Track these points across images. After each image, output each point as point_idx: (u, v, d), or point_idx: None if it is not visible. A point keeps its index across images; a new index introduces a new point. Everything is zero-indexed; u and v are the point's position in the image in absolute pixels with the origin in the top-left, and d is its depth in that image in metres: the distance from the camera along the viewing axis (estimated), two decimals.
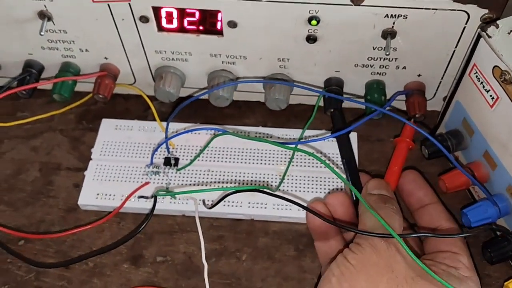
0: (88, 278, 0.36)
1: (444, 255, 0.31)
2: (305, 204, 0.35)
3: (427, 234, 0.32)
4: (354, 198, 0.34)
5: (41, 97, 0.44)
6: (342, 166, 0.37)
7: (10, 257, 0.37)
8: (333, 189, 0.38)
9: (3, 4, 0.36)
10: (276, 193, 0.36)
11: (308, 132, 0.41)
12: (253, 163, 0.40)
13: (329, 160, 0.39)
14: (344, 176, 0.36)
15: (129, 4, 0.35)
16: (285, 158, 0.40)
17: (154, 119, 0.42)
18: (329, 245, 0.33)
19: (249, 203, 0.38)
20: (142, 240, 0.37)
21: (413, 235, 0.33)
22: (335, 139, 0.38)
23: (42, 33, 0.36)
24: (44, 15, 0.36)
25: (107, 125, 0.42)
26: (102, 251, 0.37)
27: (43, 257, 0.37)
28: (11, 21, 0.37)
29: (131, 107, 0.44)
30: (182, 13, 0.36)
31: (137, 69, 0.41)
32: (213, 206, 0.36)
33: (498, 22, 0.32)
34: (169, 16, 0.36)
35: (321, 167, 0.39)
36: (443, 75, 0.38)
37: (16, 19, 0.37)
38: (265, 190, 0.34)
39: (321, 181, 0.39)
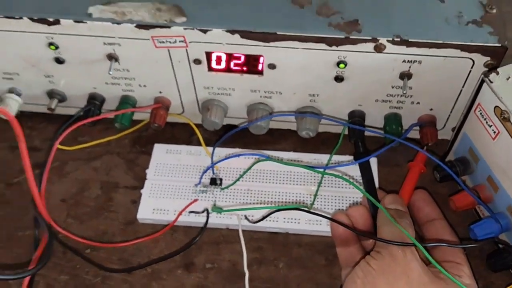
0: (148, 282, 0.42)
1: (449, 265, 0.36)
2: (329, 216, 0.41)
3: (442, 244, 0.38)
4: (372, 211, 0.40)
5: (99, 124, 0.51)
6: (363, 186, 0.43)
7: (79, 263, 0.43)
8: (353, 203, 0.44)
9: (77, 47, 0.42)
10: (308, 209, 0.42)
11: (335, 157, 0.47)
12: (287, 184, 0.46)
13: (352, 179, 0.45)
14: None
15: (186, 49, 0.41)
16: (314, 179, 0.46)
17: (198, 144, 0.48)
18: (350, 251, 0.39)
19: (285, 218, 0.44)
20: (193, 249, 0.44)
21: (432, 245, 0.38)
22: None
23: (110, 72, 0.43)
24: (112, 57, 0.43)
25: (159, 149, 0.48)
26: (159, 259, 0.43)
27: (108, 263, 0.43)
28: (83, 61, 0.44)
29: (177, 134, 0.51)
30: (230, 57, 0.42)
31: (186, 101, 0.47)
32: (257, 221, 0.42)
33: (498, 69, 0.38)
34: (218, 59, 0.42)
35: (344, 187, 0.45)
36: (452, 110, 0.45)
37: (87, 59, 0.43)
38: (303, 208, 0.40)
39: (343, 199, 0.45)
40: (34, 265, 0.41)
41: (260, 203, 0.45)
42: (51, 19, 0.40)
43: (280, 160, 0.46)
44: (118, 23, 0.40)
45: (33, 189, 0.40)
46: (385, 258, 0.34)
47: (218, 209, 0.43)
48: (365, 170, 0.42)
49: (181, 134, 0.51)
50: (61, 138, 0.44)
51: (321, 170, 0.44)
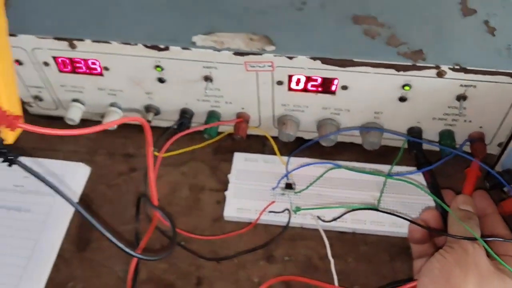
0: (235, 270, 0.49)
1: (505, 258, 0.42)
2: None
3: (500, 239, 0.44)
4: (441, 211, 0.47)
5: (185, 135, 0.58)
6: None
7: (176, 253, 0.50)
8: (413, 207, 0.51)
9: (179, 69, 0.50)
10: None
11: (395, 168, 0.53)
12: (352, 190, 0.52)
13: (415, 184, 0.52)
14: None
15: (272, 73, 0.49)
16: (377, 186, 0.52)
17: (271, 153, 0.55)
18: (423, 247, 0.46)
19: (353, 219, 0.50)
20: (272, 244, 0.50)
21: (493, 239, 0.44)
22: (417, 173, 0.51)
23: (207, 91, 0.50)
24: (208, 78, 0.50)
25: (238, 157, 0.56)
26: (244, 252, 0.50)
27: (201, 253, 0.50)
28: (181, 81, 0.51)
29: (252, 144, 0.58)
30: (308, 79, 0.49)
31: (264, 116, 0.54)
32: (331, 221, 0.49)
33: None
34: (298, 81, 0.49)
35: (404, 193, 0.51)
36: (499, 128, 0.51)
37: (186, 79, 0.51)
38: (378, 209, 0.47)
39: (404, 204, 0.51)
40: (140, 252, 0.48)
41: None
42: (162, 46, 0.48)
43: (353, 168, 0.52)
44: (218, 50, 0.47)
45: (152, 187, 0.47)
46: (457, 251, 0.41)
47: (299, 208, 0.50)
48: (430, 177, 0.49)
49: (255, 144, 0.58)
50: (167, 146, 0.51)
51: (386, 176, 0.51)
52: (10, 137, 0.31)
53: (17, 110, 0.32)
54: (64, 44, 0.48)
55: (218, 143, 0.58)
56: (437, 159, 0.52)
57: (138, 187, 0.55)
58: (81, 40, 0.48)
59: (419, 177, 0.52)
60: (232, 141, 0.58)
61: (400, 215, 0.48)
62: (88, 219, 0.37)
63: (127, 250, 0.39)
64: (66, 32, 0.48)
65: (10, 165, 0.31)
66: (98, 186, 0.55)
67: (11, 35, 0.47)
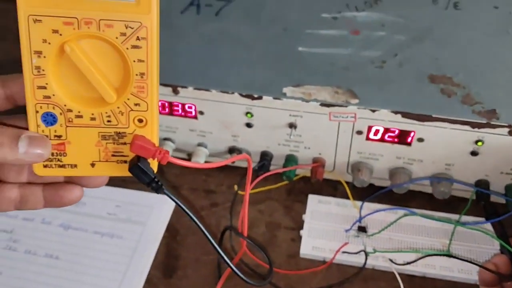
0: None
1: None
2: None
3: None
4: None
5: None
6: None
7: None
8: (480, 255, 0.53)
9: (268, 116, 0.55)
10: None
11: (463, 218, 0.56)
12: (422, 236, 0.56)
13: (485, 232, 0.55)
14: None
15: (353, 123, 0.53)
16: (445, 234, 0.55)
17: (342, 197, 0.59)
18: None
19: (422, 263, 0.53)
20: (347, 283, 0.53)
21: None
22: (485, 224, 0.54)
23: (291, 137, 0.55)
24: (292, 125, 0.55)
25: (313, 199, 0.60)
26: None
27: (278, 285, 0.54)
28: (267, 127, 0.56)
29: (324, 187, 0.62)
30: (387, 130, 0.53)
31: (339, 162, 0.59)
32: (407, 263, 0.52)
33: None
34: (377, 131, 0.54)
35: (473, 242, 0.54)
36: None
37: (271, 125, 0.56)
38: (452, 254, 0.50)
39: (472, 252, 0.54)
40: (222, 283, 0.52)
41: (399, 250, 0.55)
42: (255, 95, 0.53)
43: (424, 215, 0.56)
44: (306, 101, 0.52)
45: (245, 219, 0.52)
46: None
47: (375, 251, 0.53)
48: (499, 227, 0.52)
49: (327, 187, 0.62)
50: (252, 185, 0.55)
51: (456, 223, 0.54)
52: (155, 166, 0.36)
53: (157, 141, 0.36)
54: (169, 89, 0.54)
55: (292, 185, 0.62)
56: (503, 211, 0.55)
57: (219, 221, 0.59)
58: (185, 87, 0.54)
59: (488, 227, 0.55)
60: (304, 183, 0.62)
61: (472, 260, 0.51)
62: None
63: (231, 266, 0.43)
64: (171, 79, 0.54)
65: (157, 192, 0.36)
66: (182, 218, 0.60)
67: None
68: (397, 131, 0.53)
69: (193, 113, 0.57)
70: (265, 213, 0.60)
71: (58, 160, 0.36)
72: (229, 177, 0.63)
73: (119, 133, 0.35)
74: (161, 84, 0.54)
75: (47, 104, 0.34)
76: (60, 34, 0.32)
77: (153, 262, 0.56)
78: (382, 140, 0.54)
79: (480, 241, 0.54)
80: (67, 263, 0.55)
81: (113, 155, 0.36)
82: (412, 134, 0.53)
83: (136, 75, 0.33)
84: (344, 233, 0.56)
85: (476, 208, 0.56)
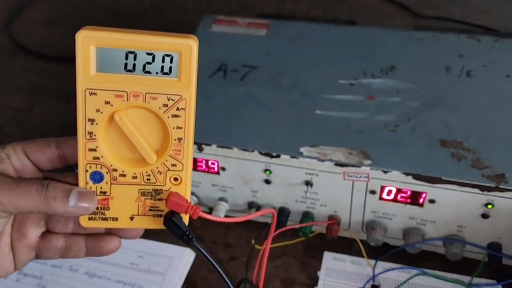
0: None
1: None
2: None
3: None
4: None
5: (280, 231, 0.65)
6: None
7: None
8: None
9: (285, 174, 0.58)
10: None
11: (475, 280, 0.57)
12: None
13: None
14: None
15: (367, 183, 0.56)
16: None
17: (357, 255, 0.61)
18: None
19: None
20: None
21: None
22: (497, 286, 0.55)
23: (307, 194, 0.58)
24: (308, 183, 0.58)
25: (328, 256, 0.61)
26: None
27: None
28: (285, 184, 0.59)
29: (339, 244, 0.63)
30: (399, 191, 0.56)
31: (354, 220, 0.61)
32: None
33: None
34: (389, 192, 0.56)
35: None
36: None
37: (289, 183, 0.59)
38: None
39: None
40: None
41: None
42: (274, 154, 0.56)
43: (437, 275, 0.57)
44: (322, 161, 0.55)
45: (262, 272, 0.54)
46: None
47: None
48: None
49: (342, 244, 0.63)
50: (269, 241, 0.58)
51: (468, 286, 0.55)
52: (186, 221, 0.40)
53: (189, 198, 0.41)
54: (194, 147, 0.58)
55: (308, 241, 0.64)
56: None
57: (236, 275, 0.61)
58: (209, 145, 0.58)
59: None
60: (321, 240, 0.64)
61: None
62: None
63: None
64: (196, 137, 0.58)
65: (188, 244, 0.40)
66: (200, 271, 0.62)
67: None
68: (409, 192, 0.55)
69: (216, 169, 0.60)
70: (281, 268, 0.62)
71: (102, 213, 0.40)
72: (248, 231, 0.65)
73: (157, 190, 0.39)
74: None
75: (96, 164, 0.39)
76: (112, 105, 0.37)
77: None
78: (395, 200, 0.56)
79: None
80: None
81: (150, 210, 0.40)
82: (423, 195, 0.55)
83: (175, 139, 0.38)
84: None
85: (489, 270, 0.57)
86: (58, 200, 0.37)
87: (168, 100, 0.37)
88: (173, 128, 0.38)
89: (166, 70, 0.36)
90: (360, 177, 0.55)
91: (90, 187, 0.39)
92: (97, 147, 0.38)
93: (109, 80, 0.36)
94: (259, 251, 0.59)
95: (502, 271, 0.56)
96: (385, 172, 0.54)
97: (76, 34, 0.36)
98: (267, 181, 0.60)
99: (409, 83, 0.65)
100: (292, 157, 0.56)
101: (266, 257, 0.53)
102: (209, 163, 0.60)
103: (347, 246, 0.63)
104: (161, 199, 0.39)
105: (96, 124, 0.37)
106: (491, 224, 0.55)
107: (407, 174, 0.54)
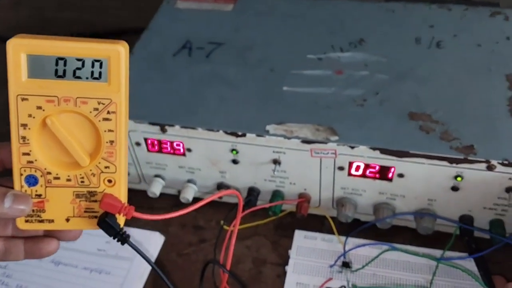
0: None
1: None
2: None
3: None
4: None
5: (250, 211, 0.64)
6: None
7: None
8: None
9: (252, 153, 0.56)
10: None
11: (446, 253, 0.56)
12: (406, 271, 0.56)
13: (465, 271, 0.55)
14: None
15: (334, 159, 0.54)
16: (429, 270, 0.55)
17: (328, 232, 0.60)
18: None
19: None
20: None
21: None
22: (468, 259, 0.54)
23: (275, 173, 0.56)
24: (276, 161, 0.56)
25: (299, 234, 0.60)
26: None
27: None
28: (253, 163, 0.58)
29: (311, 222, 0.63)
30: (367, 166, 0.54)
31: (324, 198, 0.60)
32: None
33: None
34: (358, 167, 0.55)
35: (456, 278, 0.54)
36: None
37: (257, 162, 0.57)
38: None
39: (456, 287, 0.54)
40: None
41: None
42: (239, 133, 0.55)
43: (407, 250, 0.56)
44: (288, 138, 0.54)
45: (230, 252, 0.53)
46: None
47: (356, 286, 0.54)
48: (482, 263, 0.52)
49: (314, 223, 0.62)
50: (239, 220, 0.56)
51: (439, 260, 0.54)
52: (121, 221, 0.40)
53: (126, 199, 0.41)
54: (156, 128, 0.56)
55: (279, 220, 0.63)
56: (488, 246, 0.55)
57: (207, 257, 0.60)
58: (172, 125, 0.56)
59: (471, 263, 0.55)
60: (292, 218, 0.63)
61: None
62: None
63: None
64: (158, 118, 0.56)
65: (122, 244, 0.40)
66: (170, 254, 0.61)
67: None
68: (377, 167, 0.54)
69: (181, 151, 0.59)
70: (252, 248, 0.61)
71: (38, 216, 0.40)
72: (219, 213, 0.64)
73: (91, 192, 0.40)
74: (149, 123, 0.57)
75: (30, 168, 0.39)
76: (43, 110, 0.38)
77: None
78: (363, 175, 0.55)
79: (464, 277, 0.54)
80: None
81: (85, 211, 0.40)
82: (392, 170, 0.54)
83: (107, 142, 0.39)
84: (328, 269, 0.57)
85: (461, 243, 0.57)
86: None
87: (99, 104, 0.38)
88: (105, 131, 0.38)
89: (96, 75, 0.37)
90: (328, 153, 0.54)
91: (25, 190, 0.40)
92: (30, 151, 0.38)
93: (40, 86, 0.37)
94: (230, 232, 0.58)
95: (474, 244, 0.55)
96: (352, 147, 0.53)
97: (7, 42, 0.36)
98: (235, 161, 0.58)
99: (378, 56, 0.64)
100: (258, 135, 0.55)
101: (235, 237, 0.52)
102: (174, 144, 0.58)
103: (318, 224, 0.62)
104: (95, 201, 0.40)
105: (29, 129, 0.38)
106: (462, 197, 0.54)
107: (374, 148, 0.52)
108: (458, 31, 0.67)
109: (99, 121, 0.38)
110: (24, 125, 0.38)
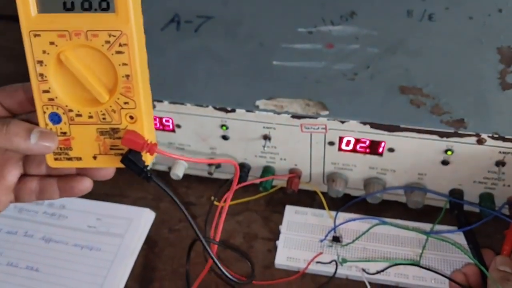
0: None
1: None
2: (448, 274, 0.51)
3: None
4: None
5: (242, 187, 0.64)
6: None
7: None
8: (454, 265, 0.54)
9: (242, 128, 0.56)
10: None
11: (436, 227, 0.57)
12: (396, 245, 0.56)
13: (454, 244, 0.55)
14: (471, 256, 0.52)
15: (325, 134, 0.54)
16: (419, 243, 0.56)
17: (319, 207, 0.60)
18: None
19: (395, 273, 0.54)
20: None
21: None
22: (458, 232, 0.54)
23: (265, 149, 0.56)
24: (266, 137, 0.56)
25: (290, 209, 0.60)
26: None
27: None
28: (243, 139, 0.57)
29: (302, 198, 0.63)
30: (358, 141, 0.54)
31: (315, 173, 0.59)
32: (377, 272, 0.53)
33: None
34: (348, 142, 0.55)
35: (445, 251, 0.55)
36: None
37: (247, 138, 0.57)
38: (420, 265, 0.50)
39: (444, 262, 0.54)
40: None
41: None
42: (229, 108, 0.54)
43: (397, 225, 0.56)
44: (278, 113, 0.53)
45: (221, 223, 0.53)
46: None
47: (345, 260, 0.54)
48: (471, 237, 0.52)
49: (305, 198, 0.62)
50: (230, 196, 0.56)
51: (428, 234, 0.55)
52: (148, 160, 0.40)
53: (153, 138, 0.41)
54: None
55: (270, 196, 0.63)
56: (478, 220, 0.55)
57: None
58: (161, 101, 0.55)
59: (461, 236, 0.55)
60: (283, 194, 0.63)
61: (440, 272, 0.51)
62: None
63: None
64: None
65: (148, 182, 0.41)
66: (161, 230, 0.61)
67: None
68: (368, 142, 0.54)
69: (171, 127, 0.58)
70: (243, 224, 0.61)
71: (66, 154, 0.41)
72: (210, 189, 0.64)
73: (114, 129, 0.40)
74: None
75: (52, 105, 0.39)
76: (56, 45, 0.37)
77: (131, 274, 0.57)
78: (354, 150, 0.55)
79: (453, 250, 0.55)
80: (46, 276, 0.57)
81: (111, 149, 0.40)
82: (382, 144, 0.54)
83: (122, 77, 0.38)
84: (319, 243, 0.57)
85: (451, 216, 0.57)
86: (19, 136, 0.38)
87: (110, 36, 0.37)
88: (119, 65, 0.37)
89: (104, 5, 0.36)
90: (318, 128, 0.54)
91: (50, 128, 0.40)
92: (50, 88, 0.38)
93: (50, 20, 0.37)
94: (221, 208, 0.58)
95: (463, 218, 0.55)
96: (343, 122, 0.52)
97: None
98: (225, 137, 0.58)
99: (369, 29, 0.62)
100: (247, 111, 0.54)
101: (226, 210, 0.52)
102: (163, 120, 0.57)
103: (309, 199, 0.62)
104: (119, 138, 0.40)
105: (45, 65, 0.38)
106: (452, 171, 0.54)
107: (364, 123, 0.52)
108: (450, 3, 0.65)
109: (112, 54, 0.37)
110: (40, 62, 0.37)
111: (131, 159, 0.39)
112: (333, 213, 0.59)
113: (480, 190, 0.56)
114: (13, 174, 0.42)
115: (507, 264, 0.49)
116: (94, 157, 0.40)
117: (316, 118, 0.53)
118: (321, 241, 0.57)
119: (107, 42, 0.37)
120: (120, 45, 0.37)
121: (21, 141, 0.38)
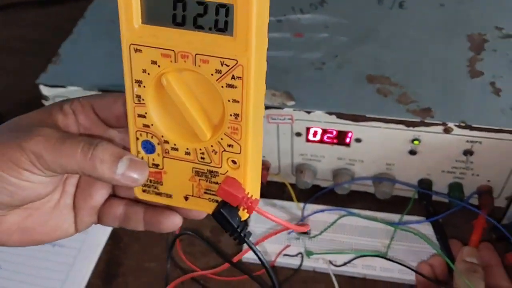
0: None
1: None
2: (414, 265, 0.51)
3: None
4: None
5: None
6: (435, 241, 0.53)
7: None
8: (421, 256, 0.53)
9: None
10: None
11: (405, 217, 0.56)
12: (364, 236, 0.55)
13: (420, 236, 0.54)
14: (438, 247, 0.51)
15: (291, 125, 0.53)
16: (387, 234, 0.55)
17: (288, 199, 0.59)
18: None
19: (363, 265, 0.53)
20: (286, 286, 0.53)
21: None
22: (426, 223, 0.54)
23: None
24: None
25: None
26: None
27: None
28: None
29: (272, 190, 0.61)
30: (325, 131, 0.53)
31: (283, 165, 0.58)
32: (341, 265, 0.52)
33: None
34: (315, 133, 0.53)
35: (413, 242, 0.54)
36: (506, 182, 0.54)
37: None
38: (386, 257, 0.50)
39: (412, 253, 0.54)
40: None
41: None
42: None
43: (365, 216, 0.55)
44: None
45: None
46: None
47: (311, 253, 0.53)
48: (439, 227, 0.51)
49: (274, 190, 0.61)
50: None
51: (396, 225, 0.54)
52: (244, 215, 0.34)
53: (256, 191, 0.35)
54: None
55: None
56: (447, 210, 0.54)
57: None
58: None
59: (429, 226, 0.55)
60: None
61: (406, 264, 0.51)
62: None
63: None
64: (109, 86, 0.54)
65: (239, 244, 0.36)
66: None
67: (60, 86, 0.54)
68: (334, 132, 0.53)
69: None
70: (211, 217, 0.59)
71: (155, 187, 0.35)
72: None
73: (212, 171, 0.34)
74: (99, 90, 0.54)
75: (146, 132, 0.34)
76: (158, 66, 0.31)
77: (95, 270, 0.55)
78: (321, 141, 0.54)
79: (422, 242, 0.54)
80: (8, 273, 0.55)
81: (205, 193, 0.35)
82: (349, 134, 0.53)
83: (230, 115, 0.31)
84: (286, 236, 0.56)
85: (420, 206, 0.56)
86: (105, 164, 0.32)
87: (222, 65, 0.30)
88: (228, 101, 0.31)
89: (220, 25, 0.29)
90: (284, 119, 0.53)
91: (142, 157, 0.34)
92: (146, 113, 0.33)
93: (155, 34, 0.30)
94: None
95: (432, 208, 0.55)
96: (309, 112, 0.51)
97: None
98: None
99: (339, 18, 0.62)
100: None
101: None
102: None
103: (278, 191, 0.61)
104: (217, 183, 0.34)
105: (144, 87, 0.32)
106: (420, 160, 0.54)
107: (330, 113, 0.51)
108: None
109: (222, 87, 0.30)
110: (139, 82, 0.32)
111: (223, 214, 0.33)
112: (302, 204, 0.58)
113: (449, 180, 0.55)
114: (101, 194, 0.37)
115: (474, 255, 0.48)
116: (186, 198, 0.35)
117: (282, 108, 0.52)
118: (289, 233, 0.56)
119: (218, 71, 0.30)
120: (233, 77, 0.30)
121: (105, 170, 0.32)
